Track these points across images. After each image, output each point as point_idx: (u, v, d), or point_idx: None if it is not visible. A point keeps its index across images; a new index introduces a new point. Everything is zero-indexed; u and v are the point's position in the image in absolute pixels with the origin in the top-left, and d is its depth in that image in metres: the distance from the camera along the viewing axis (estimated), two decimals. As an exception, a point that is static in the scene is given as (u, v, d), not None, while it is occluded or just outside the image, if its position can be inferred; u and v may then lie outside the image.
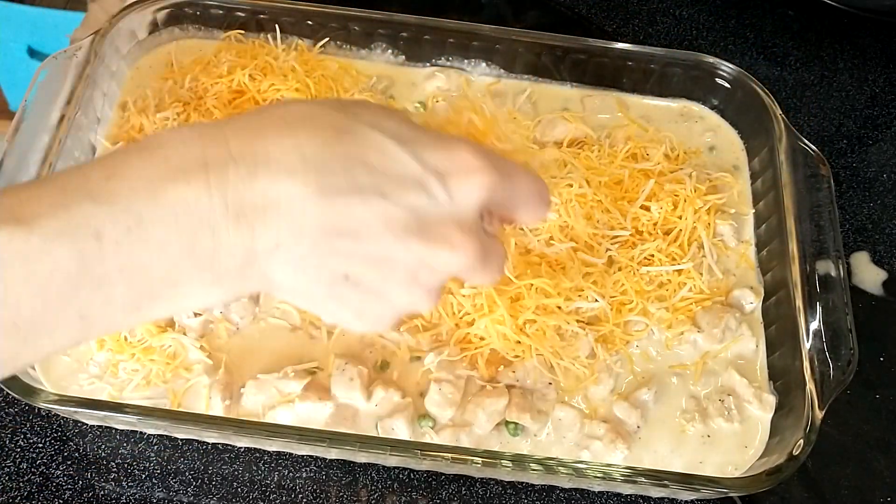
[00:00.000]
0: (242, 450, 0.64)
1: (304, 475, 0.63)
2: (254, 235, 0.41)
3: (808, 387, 0.61)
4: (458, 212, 0.45)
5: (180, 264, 0.41)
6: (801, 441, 0.58)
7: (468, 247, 0.44)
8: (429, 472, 0.64)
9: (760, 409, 0.63)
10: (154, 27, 0.78)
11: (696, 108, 0.80)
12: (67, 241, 0.38)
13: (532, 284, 0.64)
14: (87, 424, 0.64)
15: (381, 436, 0.60)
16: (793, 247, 0.67)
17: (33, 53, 1.49)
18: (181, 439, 0.64)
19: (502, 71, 0.80)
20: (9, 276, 0.37)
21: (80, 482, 0.62)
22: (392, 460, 0.63)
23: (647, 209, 0.70)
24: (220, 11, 0.79)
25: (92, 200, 0.39)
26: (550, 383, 0.62)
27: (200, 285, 0.42)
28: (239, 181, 0.41)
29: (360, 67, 0.78)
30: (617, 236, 0.69)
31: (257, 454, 0.64)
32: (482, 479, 0.64)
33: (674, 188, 0.71)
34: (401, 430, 0.60)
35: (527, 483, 0.64)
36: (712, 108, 0.79)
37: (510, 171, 0.47)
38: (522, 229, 0.69)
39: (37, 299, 0.38)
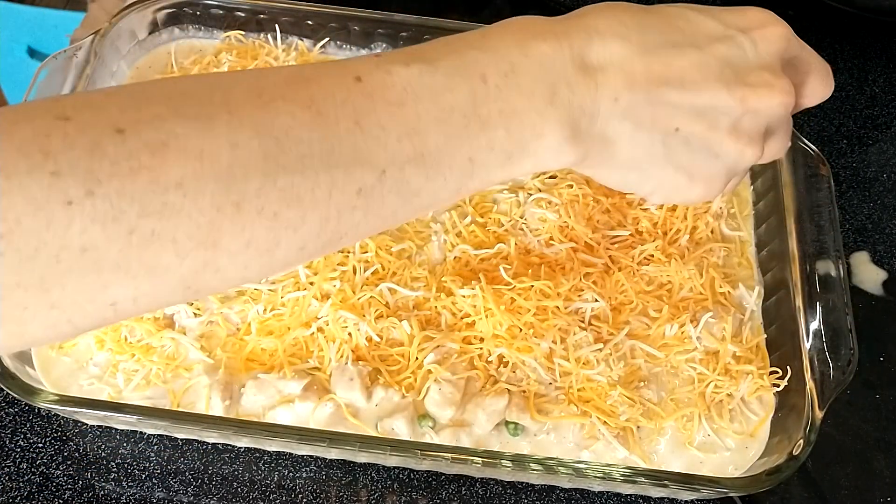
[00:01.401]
0: (242, 450, 0.64)
1: (304, 475, 0.63)
2: (597, 88, 0.45)
3: (808, 387, 0.61)
4: (764, 60, 0.48)
5: (545, 113, 0.44)
6: (801, 441, 0.58)
7: (784, 85, 0.48)
8: (429, 472, 0.64)
9: (760, 408, 0.63)
10: (154, 27, 0.78)
11: (696, 108, 0.80)
12: (462, 79, 0.43)
13: (532, 285, 0.64)
14: (87, 424, 0.64)
15: (381, 436, 0.60)
16: (793, 247, 0.67)
17: (33, 53, 1.49)
18: (181, 439, 0.64)
19: (502, 71, 0.80)
20: (420, 108, 0.42)
21: (80, 482, 0.62)
22: (392, 460, 0.63)
23: (647, 209, 0.70)
24: (220, 11, 0.79)
25: (475, 49, 0.44)
26: (551, 383, 0.62)
27: (560, 140, 0.45)
28: (580, 43, 0.45)
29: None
30: (617, 236, 0.69)
31: (257, 454, 0.64)
32: (482, 479, 0.64)
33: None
34: (401, 430, 0.60)
35: (527, 483, 0.64)
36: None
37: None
38: (522, 229, 0.69)
39: (440, 132, 0.42)
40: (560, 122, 0.45)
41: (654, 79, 0.46)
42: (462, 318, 0.64)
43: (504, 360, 0.63)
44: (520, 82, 0.44)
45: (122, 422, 0.62)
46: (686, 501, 0.64)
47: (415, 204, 0.43)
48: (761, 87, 0.47)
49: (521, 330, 0.63)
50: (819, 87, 0.54)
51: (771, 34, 0.49)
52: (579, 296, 0.66)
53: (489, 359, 0.63)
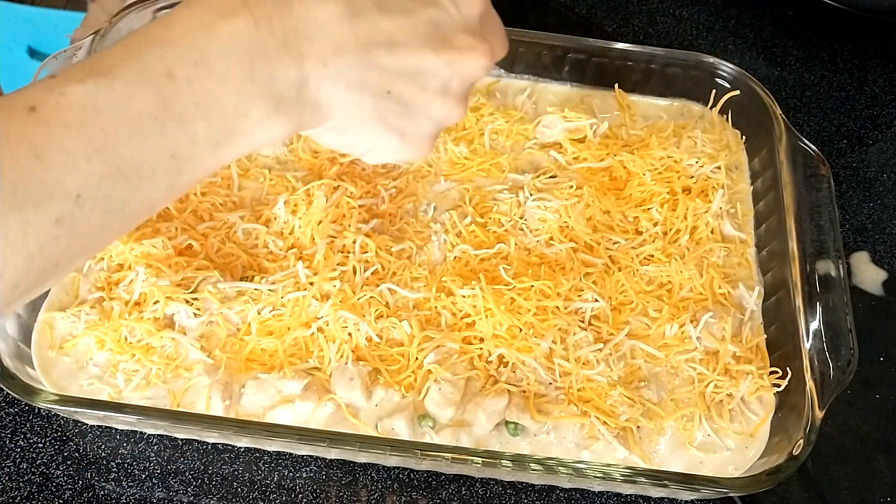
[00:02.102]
0: (242, 450, 0.64)
1: (304, 475, 0.63)
2: (303, 56, 0.45)
3: (808, 387, 0.61)
4: (468, 22, 0.50)
5: (245, 92, 0.44)
6: (801, 441, 0.58)
7: (485, 48, 0.50)
8: (429, 472, 0.64)
9: (760, 409, 0.63)
10: (154, 27, 0.78)
11: (696, 108, 0.80)
12: (145, 82, 0.42)
13: (532, 285, 0.64)
14: (87, 424, 0.64)
15: (381, 436, 0.60)
16: (793, 247, 0.67)
17: (33, 53, 1.49)
18: (181, 439, 0.64)
19: (502, 71, 0.80)
20: (104, 123, 0.41)
21: (80, 482, 0.62)
22: (392, 460, 0.63)
23: (648, 210, 0.71)
24: (220, 11, 0.79)
25: (158, 46, 0.43)
26: (551, 383, 0.62)
27: (266, 114, 0.45)
28: (278, 10, 0.44)
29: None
30: (616, 241, 0.69)
31: (257, 454, 0.64)
32: (482, 479, 0.64)
33: (673, 187, 0.71)
34: (401, 430, 0.60)
35: (527, 483, 0.64)
36: (712, 108, 0.79)
37: None
38: (522, 229, 0.69)
39: (132, 141, 0.41)
40: (264, 97, 0.44)
41: (363, 42, 0.46)
42: (462, 318, 0.64)
43: (504, 360, 0.63)
44: (212, 68, 0.43)
45: (122, 422, 0.62)
46: (686, 501, 0.64)
47: (126, 212, 0.43)
48: (467, 50, 0.49)
49: (521, 330, 0.63)
50: (502, 47, 0.54)
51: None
52: (579, 296, 0.66)
53: (489, 359, 0.63)
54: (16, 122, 0.40)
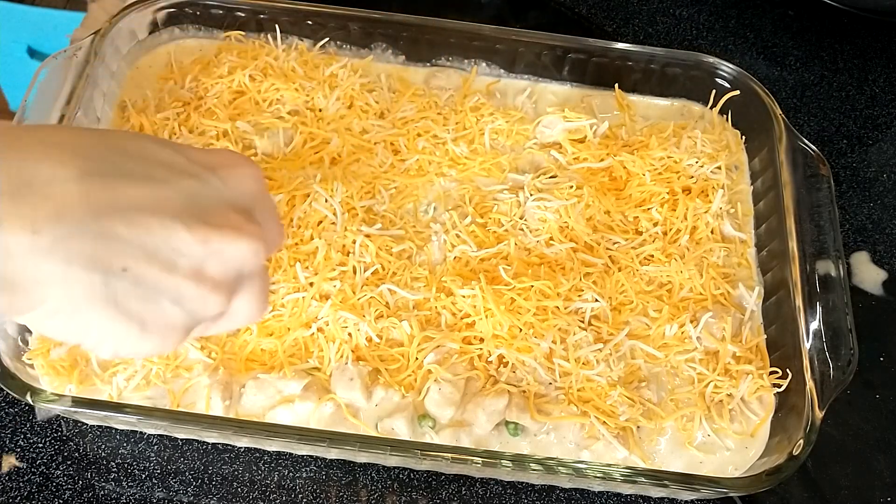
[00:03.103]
0: (242, 450, 0.64)
1: (304, 475, 0.63)
2: (2, 224, 0.35)
3: (808, 387, 0.61)
4: (236, 200, 0.43)
5: None
6: (801, 441, 0.58)
7: (253, 230, 0.42)
8: (429, 472, 0.64)
9: (760, 409, 0.63)
10: (154, 27, 0.78)
11: (696, 108, 0.80)
12: None
13: (532, 285, 0.64)
14: (87, 424, 0.64)
15: (381, 436, 0.60)
16: (793, 247, 0.67)
17: (33, 53, 1.49)
18: (181, 439, 0.64)
19: (502, 71, 0.80)
20: None
21: (80, 482, 0.62)
22: (392, 460, 0.63)
23: (648, 210, 0.70)
24: (220, 12, 0.79)
25: None
26: (551, 383, 0.62)
27: None
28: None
29: (358, 67, 0.78)
30: (616, 241, 0.69)
31: (257, 454, 0.64)
32: (482, 479, 0.64)
33: (673, 187, 0.71)
34: (401, 430, 0.60)
35: (527, 483, 0.64)
36: (712, 108, 0.79)
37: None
38: (522, 229, 0.69)
39: None
40: None
41: (95, 207, 0.37)
42: (462, 318, 0.64)
43: (504, 360, 0.63)
44: None
45: (122, 422, 0.62)
46: (686, 501, 0.64)
47: None
48: (228, 229, 0.41)
49: (521, 330, 0.63)
50: (277, 234, 0.47)
51: (242, 174, 0.44)
52: (579, 296, 0.66)
53: (489, 359, 0.63)
54: None
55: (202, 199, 0.41)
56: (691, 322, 0.65)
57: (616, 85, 0.79)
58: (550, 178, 0.73)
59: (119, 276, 0.39)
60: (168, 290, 0.40)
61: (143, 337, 0.41)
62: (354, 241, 0.66)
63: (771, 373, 0.64)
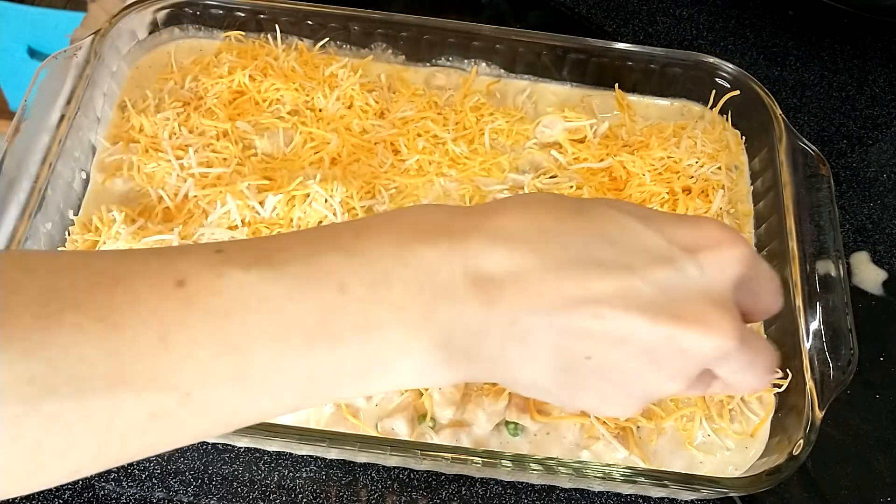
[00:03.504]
0: (242, 450, 0.64)
1: (304, 475, 0.63)
2: (490, 306, 0.38)
3: (808, 387, 0.61)
4: (712, 288, 0.40)
5: (416, 332, 0.38)
6: (801, 441, 0.58)
7: (725, 325, 0.39)
8: (429, 472, 0.64)
9: (760, 409, 0.63)
10: (154, 27, 0.78)
11: (696, 108, 0.80)
12: (312, 289, 0.37)
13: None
14: (87, 424, 0.64)
15: (381, 436, 0.60)
16: (793, 247, 0.67)
17: (33, 53, 1.49)
18: (181, 439, 0.64)
19: (502, 71, 0.80)
20: (249, 321, 0.36)
21: (80, 482, 0.62)
22: (392, 460, 0.63)
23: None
24: (220, 11, 0.79)
25: (340, 252, 0.38)
26: (550, 383, 0.62)
27: (430, 361, 0.38)
28: (479, 248, 0.38)
29: (358, 67, 0.78)
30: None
31: (257, 454, 0.64)
32: (482, 479, 0.64)
33: (673, 187, 0.71)
34: (401, 430, 0.60)
35: (527, 483, 0.64)
36: (712, 108, 0.79)
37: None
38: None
39: (271, 349, 0.36)
40: (434, 340, 0.38)
41: (564, 301, 0.38)
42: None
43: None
44: (389, 294, 0.37)
45: (122, 422, 0.62)
46: (686, 501, 0.64)
47: (232, 423, 0.37)
48: (692, 322, 0.38)
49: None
50: (771, 304, 0.44)
51: (726, 256, 0.40)
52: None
53: None
54: (157, 293, 0.35)
55: (674, 291, 0.39)
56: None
57: (616, 85, 0.79)
58: (550, 178, 0.73)
59: (582, 363, 0.39)
60: (629, 375, 0.40)
61: (604, 406, 0.42)
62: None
63: (771, 373, 0.64)
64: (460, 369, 0.39)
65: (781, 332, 0.66)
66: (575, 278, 0.38)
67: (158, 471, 0.63)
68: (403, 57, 0.80)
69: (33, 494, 0.61)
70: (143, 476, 0.63)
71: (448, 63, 0.80)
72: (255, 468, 0.63)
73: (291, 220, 0.67)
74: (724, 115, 0.79)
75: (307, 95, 0.74)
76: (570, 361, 0.39)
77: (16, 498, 0.61)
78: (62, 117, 0.68)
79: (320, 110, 0.74)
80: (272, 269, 0.37)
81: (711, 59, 0.78)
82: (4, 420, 0.32)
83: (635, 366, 0.39)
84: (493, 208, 0.40)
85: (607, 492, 0.64)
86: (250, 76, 0.74)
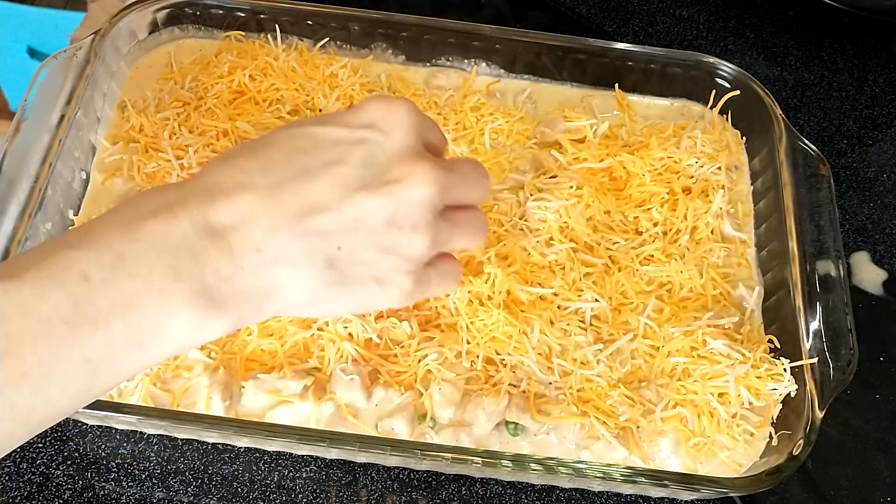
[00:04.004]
0: (242, 450, 0.64)
1: (304, 475, 0.63)
2: (232, 249, 0.43)
3: (808, 387, 0.61)
4: (403, 146, 0.47)
5: (170, 291, 0.42)
6: (801, 441, 0.58)
7: (427, 166, 0.47)
8: (429, 472, 0.64)
9: (761, 409, 0.63)
10: (154, 27, 0.78)
11: (696, 108, 0.80)
12: (57, 285, 0.40)
13: (531, 285, 0.64)
14: (87, 424, 0.64)
15: (381, 436, 0.60)
16: (793, 247, 0.67)
17: (33, 53, 1.49)
18: (181, 439, 0.64)
19: (502, 71, 0.80)
20: (9, 328, 0.39)
21: (80, 482, 0.62)
22: (392, 460, 0.63)
23: (648, 210, 0.70)
24: (220, 11, 0.79)
25: (73, 248, 0.41)
26: (551, 383, 0.62)
27: (196, 312, 0.43)
28: (201, 207, 0.43)
29: (358, 67, 0.78)
30: (616, 241, 0.69)
31: (257, 454, 0.64)
32: (482, 479, 0.64)
33: (673, 187, 0.71)
34: (401, 430, 0.60)
35: (527, 483, 0.64)
36: (712, 108, 0.79)
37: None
38: (522, 229, 0.69)
39: (40, 346, 0.39)
40: (190, 294, 0.42)
41: (293, 215, 0.44)
42: (462, 318, 0.64)
43: (504, 360, 0.63)
44: (131, 269, 0.41)
45: (122, 422, 0.62)
46: (686, 501, 0.64)
47: (32, 420, 0.40)
48: (405, 179, 0.46)
49: (521, 330, 0.63)
50: (440, 140, 0.52)
51: (399, 117, 0.48)
52: (579, 296, 0.66)
53: (478, 356, 0.63)
54: None
55: (375, 162, 0.46)
56: (691, 322, 0.65)
57: (616, 85, 0.79)
58: (550, 178, 0.73)
59: (337, 255, 0.46)
60: (380, 246, 0.46)
61: (384, 289, 0.48)
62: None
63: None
64: (230, 314, 0.44)
65: (781, 332, 0.66)
66: (292, 192, 0.44)
67: (158, 471, 0.63)
68: (403, 57, 0.80)
69: (34, 494, 0.61)
70: (143, 476, 0.63)
71: (448, 63, 0.80)
72: (255, 468, 0.63)
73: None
74: (724, 115, 0.79)
75: (307, 95, 0.74)
76: (327, 258, 0.45)
77: (17, 497, 0.61)
78: (62, 117, 0.68)
79: (320, 110, 0.74)
80: (15, 277, 0.40)
81: (711, 59, 0.78)
82: None
83: (382, 238, 0.46)
84: (199, 174, 0.46)
85: (607, 492, 0.64)
86: (250, 76, 0.74)
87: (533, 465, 0.57)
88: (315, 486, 0.63)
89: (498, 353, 0.62)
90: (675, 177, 0.72)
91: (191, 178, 0.46)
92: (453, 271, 0.55)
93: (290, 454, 0.64)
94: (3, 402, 0.39)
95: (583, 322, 0.65)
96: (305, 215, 0.44)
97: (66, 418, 0.63)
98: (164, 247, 0.42)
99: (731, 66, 0.77)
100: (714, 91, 0.78)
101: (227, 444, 0.64)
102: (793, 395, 0.62)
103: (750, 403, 0.62)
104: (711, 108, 0.79)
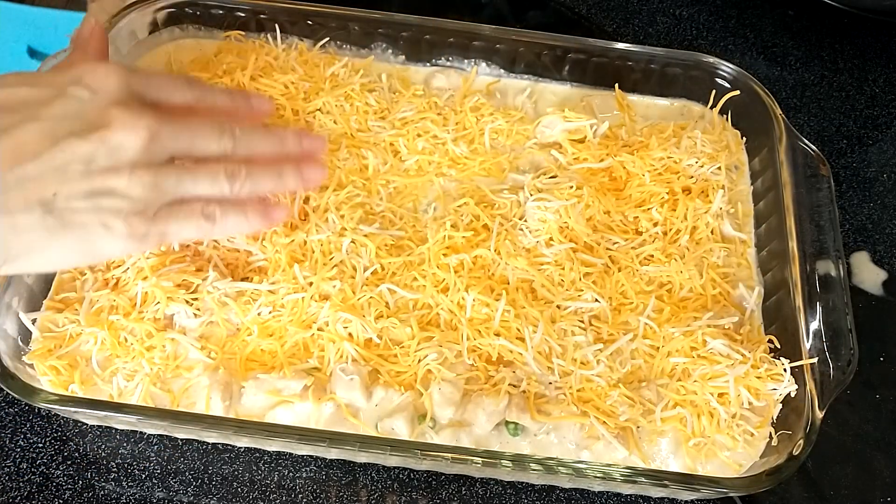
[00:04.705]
0: (242, 450, 0.64)
1: (304, 475, 0.63)
2: None
3: (808, 387, 0.61)
4: (112, 98, 0.49)
5: None
6: (801, 441, 0.58)
7: (136, 115, 0.48)
8: (429, 472, 0.64)
9: (761, 409, 0.63)
10: (154, 27, 0.78)
11: (696, 107, 0.80)
12: None
13: (531, 284, 0.64)
14: (87, 424, 0.64)
15: (381, 436, 0.60)
16: (793, 247, 0.67)
17: (33, 53, 1.49)
18: (181, 439, 0.64)
19: (502, 71, 0.80)
20: None
21: (80, 482, 0.62)
22: (392, 460, 0.63)
23: (648, 210, 0.70)
24: (220, 11, 0.79)
25: None
26: (551, 383, 0.62)
27: None
28: None
29: (358, 67, 0.78)
30: (616, 241, 0.69)
31: (257, 454, 0.64)
32: (482, 479, 0.64)
33: (672, 188, 0.71)
34: (401, 430, 0.60)
35: (527, 483, 0.64)
36: (712, 108, 0.79)
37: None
38: (522, 230, 0.69)
39: None
40: None
41: (4, 163, 0.46)
42: (461, 318, 0.64)
43: (504, 359, 0.63)
44: None
45: (122, 422, 0.62)
46: (686, 501, 0.64)
47: None
48: (111, 124, 0.48)
49: (520, 330, 0.63)
50: (176, 96, 0.54)
51: (101, 75, 0.50)
52: (579, 296, 0.66)
53: (476, 346, 0.63)
54: None
55: (82, 112, 0.48)
56: (691, 322, 0.65)
57: (616, 85, 0.79)
58: (550, 178, 0.73)
59: (53, 200, 0.47)
60: (95, 187, 0.48)
61: (111, 232, 0.49)
62: (353, 241, 0.66)
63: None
64: None
65: (781, 332, 0.66)
66: (1, 143, 0.46)
67: (158, 471, 0.63)
68: (403, 57, 0.80)
69: (34, 494, 0.61)
70: (143, 476, 0.63)
71: (448, 63, 0.80)
72: (255, 468, 0.63)
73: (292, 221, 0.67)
74: (724, 115, 0.79)
75: (304, 94, 0.74)
76: (44, 203, 0.46)
77: (17, 498, 0.61)
78: (62, 117, 0.68)
79: (319, 110, 0.74)
80: None
81: (711, 59, 0.78)
82: None
83: (97, 181, 0.47)
84: None
85: (607, 492, 0.64)
86: (250, 76, 0.74)
87: (533, 465, 0.57)
88: (315, 486, 0.63)
89: (496, 336, 0.62)
90: (675, 177, 0.72)
91: None
92: (196, 213, 0.54)
93: (290, 454, 0.64)
94: None
95: (583, 322, 0.65)
96: (16, 163, 0.46)
97: (66, 418, 0.64)
98: None
99: (731, 66, 0.77)
100: (714, 91, 0.78)
101: (227, 444, 0.64)
102: (793, 395, 0.62)
103: (750, 403, 0.62)
104: (711, 108, 0.79)
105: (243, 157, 0.55)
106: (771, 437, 0.62)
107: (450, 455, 0.57)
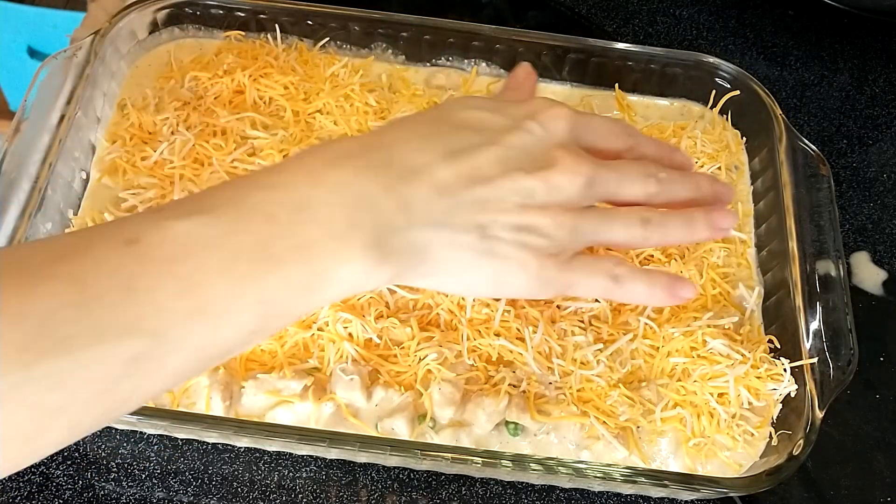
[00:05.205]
0: (242, 450, 0.64)
1: (304, 475, 0.63)
2: (406, 202, 0.46)
3: (808, 387, 0.61)
4: (556, 139, 0.52)
5: (346, 239, 0.44)
6: (801, 441, 0.58)
7: (572, 159, 0.51)
8: (429, 472, 0.64)
9: (761, 409, 0.63)
10: (154, 27, 0.78)
11: (696, 108, 0.80)
12: (244, 224, 0.42)
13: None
14: (87, 424, 0.64)
15: (381, 436, 0.60)
16: (793, 247, 0.67)
17: (33, 53, 1.49)
18: (181, 439, 0.64)
19: (502, 71, 0.80)
20: (200, 261, 0.40)
21: (80, 482, 0.62)
22: (392, 460, 0.63)
23: (647, 209, 0.70)
24: (220, 11, 0.79)
25: (261, 189, 0.44)
26: (551, 383, 0.62)
27: (365, 262, 0.44)
28: (379, 162, 0.47)
29: (358, 67, 0.78)
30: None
31: (257, 454, 0.64)
32: (482, 479, 0.64)
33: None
34: (401, 430, 0.60)
35: (527, 483, 0.64)
36: (712, 108, 0.79)
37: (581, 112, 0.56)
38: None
39: (223, 280, 0.40)
40: (364, 243, 0.44)
41: (461, 181, 0.48)
42: (461, 318, 0.64)
43: (504, 359, 0.63)
44: (313, 214, 0.43)
45: (122, 422, 0.62)
46: (686, 501, 0.64)
47: (203, 356, 0.41)
48: (556, 165, 0.50)
49: (520, 330, 0.63)
50: (613, 142, 0.56)
51: (554, 113, 0.52)
52: (579, 296, 0.66)
53: (474, 344, 0.63)
54: (113, 254, 0.39)
55: (530, 147, 0.51)
56: (691, 322, 0.65)
57: (616, 85, 0.79)
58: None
59: (488, 227, 0.48)
60: (527, 224, 0.49)
61: (525, 272, 0.50)
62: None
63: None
64: (391, 266, 0.46)
65: (781, 332, 0.66)
66: (461, 161, 0.48)
67: (158, 471, 0.63)
68: (403, 57, 0.80)
69: (34, 494, 0.61)
70: (143, 476, 0.63)
71: (448, 63, 0.80)
72: (255, 468, 0.63)
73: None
74: (724, 116, 0.79)
75: (305, 94, 0.74)
76: (482, 228, 0.48)
77: (17, 498, 0.61)
78: (62, 117, 0.68)
79: (319, 111, 0.74)
80: (207, 214, 0.42)
81: (711, 59, 0.78)
82: (7, 388, 0.35)
83: (526, 217, 0.49)
84: (380, 131, 0.50)
85: (607, 492, 0.64)
86: (251, 76, 0.74)
87: (533, 465, 0.57)
88: (315, 486, 0.63)
89: (496, 337, 0.62)
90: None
91: (371, 133, 0.51)
92: (604, 271, 0.54)
93: (290, 454, 0.64)
94: (182, 334, 0.40)
95: (583, 322, 0.65)
96: (471, 184, 0.48)
97: (66, 418, 0.64)
98: (347, 195, 0.44)
99: (731, 66, 0.77)
100: (714, 91, 0.78)
101: (227, 444, 0.64)
102: (793, 395, 0.62)
103: (750, 403, 0.62)
104: (711, 108, 0.79)
105: (662, 202, 0.55)
106: (771, 437, 0.62)
107: (450, 455, 0.57)
